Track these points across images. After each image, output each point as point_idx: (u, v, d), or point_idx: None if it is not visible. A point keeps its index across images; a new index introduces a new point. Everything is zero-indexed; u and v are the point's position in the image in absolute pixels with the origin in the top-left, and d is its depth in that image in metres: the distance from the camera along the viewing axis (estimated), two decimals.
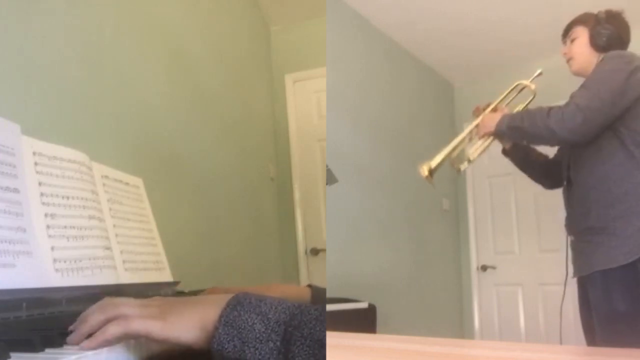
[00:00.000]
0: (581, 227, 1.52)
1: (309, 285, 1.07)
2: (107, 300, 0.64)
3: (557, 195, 1.68)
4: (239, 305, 0.59)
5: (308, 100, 3.60)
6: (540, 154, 1.76)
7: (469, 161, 1.70)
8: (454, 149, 1.67)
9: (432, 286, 3.42)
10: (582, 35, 1.59)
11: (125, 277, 1.07)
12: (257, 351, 0.55)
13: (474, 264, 3.80)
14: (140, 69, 1.94)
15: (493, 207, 3.76)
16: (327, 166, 2.03)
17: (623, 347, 0.72)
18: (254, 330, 0.56)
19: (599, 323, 1.43)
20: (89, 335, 0.59)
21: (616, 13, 1.57)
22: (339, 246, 2.59)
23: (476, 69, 3.71)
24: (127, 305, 0.62)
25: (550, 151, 1.73)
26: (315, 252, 3.46)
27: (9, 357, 0.54)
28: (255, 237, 3.07)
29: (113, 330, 0.58)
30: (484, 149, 1.68)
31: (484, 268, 3.73)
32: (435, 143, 3.56)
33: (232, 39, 3.05)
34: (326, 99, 2.65)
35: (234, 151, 2.86)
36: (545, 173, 1.75)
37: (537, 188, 1.82)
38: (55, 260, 0.87)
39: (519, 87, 1.72)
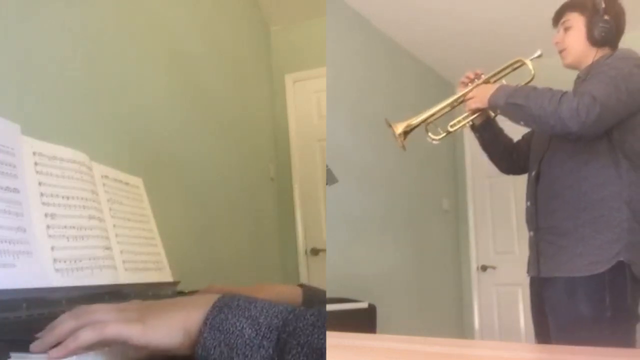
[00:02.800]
0: (545, 224, 1.45)
1: (301, 285, 1.04)
2: (80, 307, 0.59)
3: None
4: (226, 308, 0.55)
5: (308, 100, 3.60)
6: (507, 136, 1.66)
7: (448, 132, 1.57)
8: (434, 114, 1.55)
9: (432, 286, 3.42)
10: (577, 24, 1.44)
11: (125, 277, 1.07)
12: (246, 358, 0.51)
13: (474, 264, 3.80)
14: (140, 69, 1.94)
15: (493, 207, 3.75)
16: (327, 166, 2.03)
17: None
18: (243, 335, 0.52)
19: (558, 326, 1.37)
20: (57, 344, 0.54)
21: (615, 1, 1.42)
22: (339, 246, 2.59)
23: (476, 69, 3.71)
24: (101, 311, 0.57)
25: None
26: (315, 252, 3.46)
27: (9, 357, 0.54)
28: (255, 237, 3.07)
29: (86, 336, 0.53)
30: (466, 123, 1.57)
31: (484, 268, 3.73)
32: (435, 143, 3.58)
33: (232, 39, 3.05)
34: (326, 99, 2.65)
35: (234, 151, 2.86)
36: (505, 156, 1.65)
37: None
38: (55, 260, 0.87)
39: (516, 65, 1.57)
